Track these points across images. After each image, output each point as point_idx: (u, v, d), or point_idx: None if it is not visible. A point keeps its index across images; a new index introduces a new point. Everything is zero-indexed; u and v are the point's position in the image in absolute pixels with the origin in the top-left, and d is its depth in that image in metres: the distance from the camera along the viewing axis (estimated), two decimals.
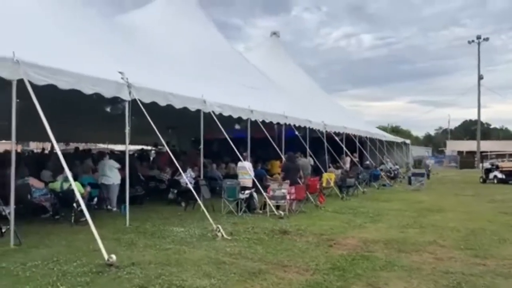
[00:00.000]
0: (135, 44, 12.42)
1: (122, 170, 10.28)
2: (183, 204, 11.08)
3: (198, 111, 10.24)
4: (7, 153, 7.92)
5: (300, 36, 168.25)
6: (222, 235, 7.20)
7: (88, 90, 7.49)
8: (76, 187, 6.49)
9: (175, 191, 11.49)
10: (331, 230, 8.04)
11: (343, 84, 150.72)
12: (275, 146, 12.43)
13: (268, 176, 13.75)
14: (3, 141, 19.69)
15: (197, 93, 10.28)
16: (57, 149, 6.31)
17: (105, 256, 5.34)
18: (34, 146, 26.81)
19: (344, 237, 7.47)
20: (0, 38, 6.63)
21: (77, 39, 9.04)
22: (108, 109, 8.39)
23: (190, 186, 9.18)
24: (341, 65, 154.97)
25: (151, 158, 18.31)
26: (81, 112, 12.96)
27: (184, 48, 13.95)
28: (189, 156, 15.40)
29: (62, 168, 10.49)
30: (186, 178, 11.08)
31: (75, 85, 7.21)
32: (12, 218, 6.25)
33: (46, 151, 19.63)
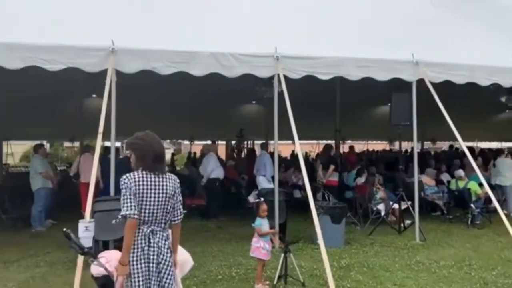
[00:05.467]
0: None
1: None
2: None
3: None
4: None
5: None
6: None
7: (484, 81, 6.85)
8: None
9: None
10: None
11: None
12: None
13: None
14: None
15: None
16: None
17: None
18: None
19: None
20: (400, 41, 6.89)
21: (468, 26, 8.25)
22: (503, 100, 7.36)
23: None
24: None
25: None
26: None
27: None
28: None
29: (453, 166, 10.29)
30: None
31: (471, 78, 6.77)
32: (416, 215, 6.52)
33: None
